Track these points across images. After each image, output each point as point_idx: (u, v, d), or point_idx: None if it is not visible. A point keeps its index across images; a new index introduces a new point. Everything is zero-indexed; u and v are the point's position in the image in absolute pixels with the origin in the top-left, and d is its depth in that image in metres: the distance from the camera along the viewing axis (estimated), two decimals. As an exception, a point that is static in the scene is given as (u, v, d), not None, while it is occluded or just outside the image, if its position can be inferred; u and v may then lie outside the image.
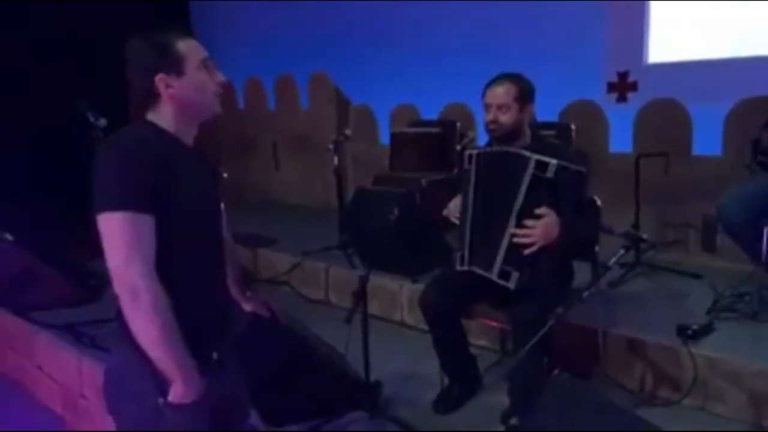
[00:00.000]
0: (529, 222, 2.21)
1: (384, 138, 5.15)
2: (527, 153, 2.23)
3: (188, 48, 1.48)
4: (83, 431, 2.98)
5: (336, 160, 4.09)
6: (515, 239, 2.23)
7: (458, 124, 4.38)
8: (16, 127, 5.19)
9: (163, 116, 1.48)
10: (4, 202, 4.26)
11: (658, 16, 4.14)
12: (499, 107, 2.38)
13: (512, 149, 2.34)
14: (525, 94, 2.40)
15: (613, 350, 2.64)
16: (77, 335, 3.16)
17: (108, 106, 3.08)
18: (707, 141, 3.74)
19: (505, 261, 2.27)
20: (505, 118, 2.38)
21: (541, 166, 2.18)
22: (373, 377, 2.40)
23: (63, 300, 3.56)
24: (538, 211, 2.20)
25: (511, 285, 2.25)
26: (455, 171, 3.28)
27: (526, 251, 2.21)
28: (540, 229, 2.19)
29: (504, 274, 2.27)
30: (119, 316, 1.40)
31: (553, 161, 2.16)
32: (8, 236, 3.61)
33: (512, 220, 2.24)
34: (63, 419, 3.14)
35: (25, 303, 3.55)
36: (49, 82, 5.30)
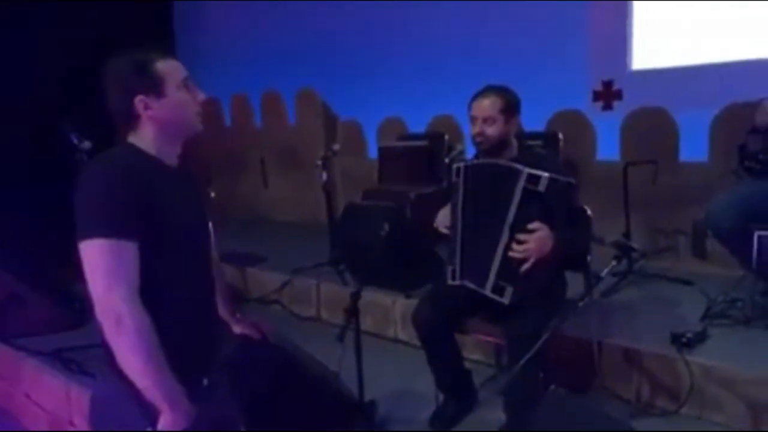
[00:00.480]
0: (522, 236, 2.19)
1: (372, 152, 5.14)
2: (519, 166, 2.22)
3: (168, 68, 1.46)
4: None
5: (325, 175, 4.06)
6: (509, 254, 2.21)
7: (446, 137, 4.38)
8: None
9: (144, 138, 1.46)
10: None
11: (640, 23, 4.17)
12: (485, 120, 2.37)
13: (503, 162, 2.33)
14: (511, 106, 2.39)
15: (608, 361, 2.63)
16: (65, 361, 3.10)
17: (92, 117, 3.04)
18: (693, 147, 3.76)
19: (498, 276, 2.24)
20: (492, 131, 2.38)
21: (533, 179, 2.16)
22: (367, 395, 2.36)
23: (50, 325, 3.50)
24: (530, 225, 2.18)
25: (505, 300, 2.22)
26: (444, 184, 3.27)
27: (522, 267, 2.19)
28: (534, 243, 2.17)
29: (498, 289, 2.24)
30: (104, 344, 1.37)
31: (545, 174, 2.15)
32: (-8, 261, 3.56)
33: (505, 235, 2.22)
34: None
35: (10, 329, 3.48)
36: (31, 97, 5.24)
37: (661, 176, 3.67)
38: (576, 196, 2.39)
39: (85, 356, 3.01)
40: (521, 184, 2.18)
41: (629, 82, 4.20)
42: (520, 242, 2.19)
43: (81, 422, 2.83)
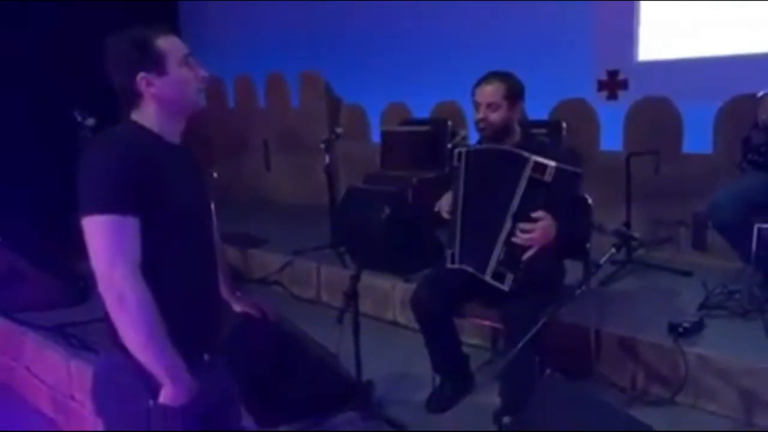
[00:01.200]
0: (526, 226, 2.18)
1: (375, 136, 5.14)
2: (525, 153, 2.20)
3: (169, 45, 1.46)
4: (72, 433, 2.96)
5: (327, 158, 4.06)
6: (512, 241, 2.20)
7: (449, 123, 4.38)
8: (4, 125, 5.13)
9: (146, 115, 1.46)
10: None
11: (647, 14, 4.14)
12: (489, 105, 2.37)
13: (508, 148, 2.33)
14: (514, 93, 2.39)
15: (605, 348, 2.64)
16: (66, 336, 3.13)
17: (97, 102, 3.04)
18: (697, 139, 3.76)
19: (499, 263, 2.24)
20: (495, 117, 2.37)
21: (539, 167, 2.14)
22: (365, 377, 2.39)
23: (51, 301, 3.53)
24: (534, 214, 2.17)
25: (505, 287, 2.23)
26: (447, 169, 3.27)
27: (524, 256, 2.18)
28: (537, 232, 2.16)
29: (498, 276, 2.25)
30: (107, 318, 1.38)
31: (552, 164, 2.13)
32: (-6, 237, 3.59)
33: (508, 222, 2.21)
34: (53, 421, 3.11)
35: (11, 304, 3.51)
36: (37, 80, 5.24)
37: (664, 167, 3.67)
38: (579, 185, 2.39)
39: (86, 331, 3.05)
40: (527, 172, 2.16)
41: (635, 72, 4.18)
42: (523, 230, 2.19)
43: (81, 396, 2.87)
